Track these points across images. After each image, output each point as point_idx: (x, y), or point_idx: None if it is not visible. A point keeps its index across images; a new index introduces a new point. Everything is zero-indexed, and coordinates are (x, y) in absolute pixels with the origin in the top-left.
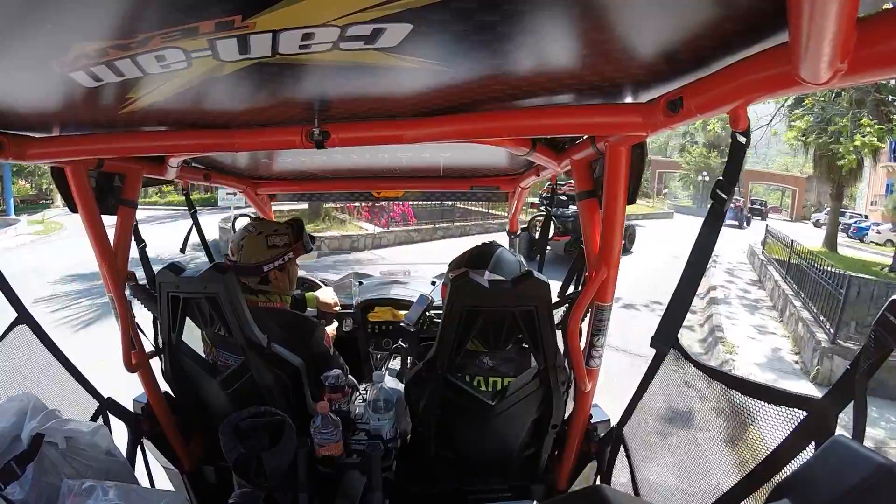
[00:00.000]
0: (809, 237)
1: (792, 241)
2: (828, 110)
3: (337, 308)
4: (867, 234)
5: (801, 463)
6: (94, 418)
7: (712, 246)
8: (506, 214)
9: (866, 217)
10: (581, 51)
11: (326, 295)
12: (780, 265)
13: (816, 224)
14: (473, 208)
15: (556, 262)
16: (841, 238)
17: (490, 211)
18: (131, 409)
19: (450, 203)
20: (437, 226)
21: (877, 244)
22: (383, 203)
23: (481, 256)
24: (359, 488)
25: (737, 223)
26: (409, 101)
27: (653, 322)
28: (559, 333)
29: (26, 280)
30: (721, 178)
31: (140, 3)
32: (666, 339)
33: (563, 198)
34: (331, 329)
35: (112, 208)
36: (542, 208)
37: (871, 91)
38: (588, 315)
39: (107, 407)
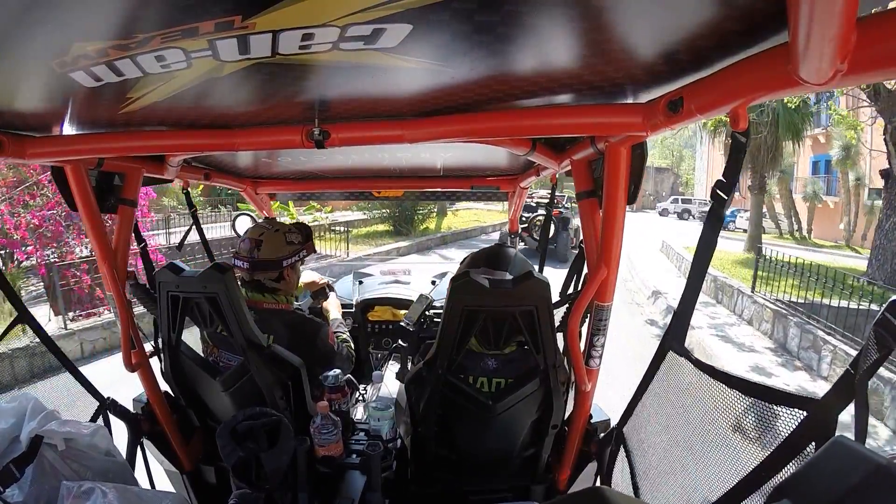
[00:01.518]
0: (680, 232)
1: None
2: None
3: (323, 281)
4: (734, 220)
5: (802, 463)
6: (93, 418)
7: (714, 245)
8: None
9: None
10: (581, 51)
11: (308, 276)
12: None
13: (663, 213)
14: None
15: (535, 258)
16: (696, 225)
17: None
18: (131, 409)
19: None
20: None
21: (744, 231)
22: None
23: (500, 258)
24: (359, 488)
25: None
26: (409, 101)
27: None
28: (559, 334)
29: None
30: (721, 178)
31: (140, 4)
32: (678, 340)
33: (534, 204)
34: (333, 299)
35: (112, 207)
36: (528, 213)
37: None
38: (588, 315)
39: (107, 407)
